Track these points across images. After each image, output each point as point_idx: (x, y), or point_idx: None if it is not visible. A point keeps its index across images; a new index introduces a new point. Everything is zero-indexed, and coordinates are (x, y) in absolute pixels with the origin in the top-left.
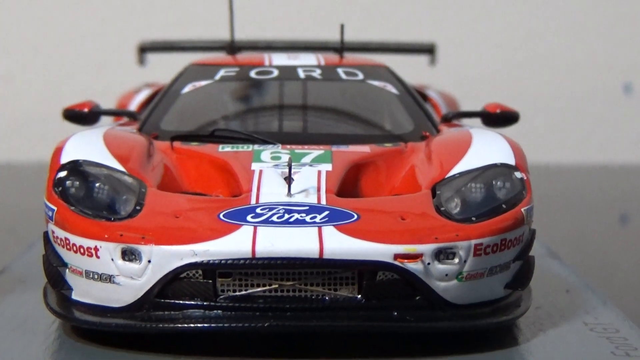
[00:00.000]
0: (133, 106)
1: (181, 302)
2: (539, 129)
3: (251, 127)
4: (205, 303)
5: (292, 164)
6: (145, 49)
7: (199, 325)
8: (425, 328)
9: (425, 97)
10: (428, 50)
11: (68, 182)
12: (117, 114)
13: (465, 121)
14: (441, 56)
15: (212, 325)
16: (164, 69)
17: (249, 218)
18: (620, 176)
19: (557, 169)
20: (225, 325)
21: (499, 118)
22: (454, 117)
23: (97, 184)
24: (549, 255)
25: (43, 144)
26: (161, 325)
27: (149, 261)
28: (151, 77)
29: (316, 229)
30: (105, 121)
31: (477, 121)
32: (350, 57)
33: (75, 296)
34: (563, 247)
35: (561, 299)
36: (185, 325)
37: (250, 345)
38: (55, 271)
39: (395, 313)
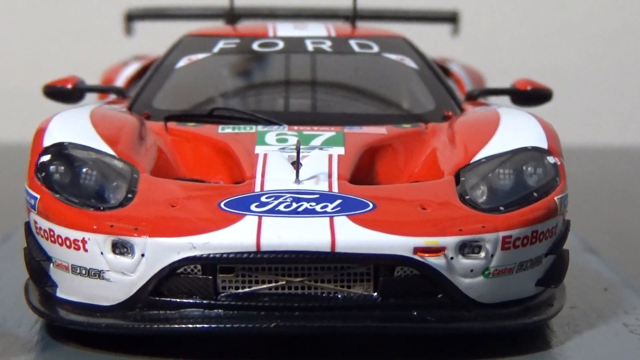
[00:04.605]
0: (120, 82)
1: (178, 300)
2: (575, 107)
3: (254, 105)
4: (204, 301)
5: (301, 147)
6: (132, 17)
7: (197, 325)
8: (448, 329)
9: (447, 72)
10: (450, 18)
11: (52, 167)
12: (103, 90)
13: (493, 99)
14: (465, 25)
15: (213, 326)
16: (154, 39)
17: (253, 207)
18: None
19: (594, 152)
20: (227, 326)
21: (530, 96)
22: (479, 94)
23: (84, 169)
24: (585, 250)
25: (20, 123)
26: (156, 326)
27: (143, 255)
28: (140, 49)
29: (327, 219)
30: (90, 99)
31: (506, 99)
32: (363, 27)
33: (60, 293)
34: (601, 241)
35: (599, 297)
36: (183, 325)
37: (255, 349)
38: (38, 266)
39: (415, 313)
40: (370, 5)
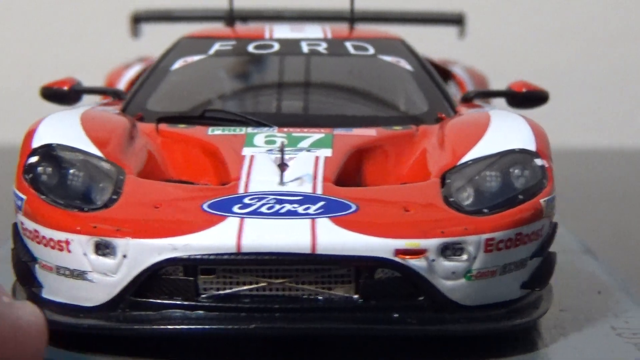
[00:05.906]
0: (123, 83)
1: (160, 301)
2: (573, 109)
3: (247, 107)
4: (186, 302)
5: (288, 149)
6: (139, 19)
7: (179, 327)
8: (430, 331)
9: (449, 74)
10: (456, 20)
11: (39, 169)
12: (100, 92)
13: (492, 101)
14: (471, 27)
15: (194, 327)
16: (161, 41)
17: (235, 209)
18: None
19: (593, 154)
20: (208, 327)
21: (525, 98)
22: (475, 96)
23: (72, 171)
24: (583, 252)
25: (16, 125)
26: (138, 327)
27: (125, 256)
28: (142, 51)
29: (309, 221)
30: (89, 100)
31: (503, 102)
32: (361, 29)
33: (45, 294)
34: (600, 242)
35: (591, 300)
36: (164, 326)
37: (235, 350)
38: (24, 267)
39: (396, 315)
40: (376, 7)
